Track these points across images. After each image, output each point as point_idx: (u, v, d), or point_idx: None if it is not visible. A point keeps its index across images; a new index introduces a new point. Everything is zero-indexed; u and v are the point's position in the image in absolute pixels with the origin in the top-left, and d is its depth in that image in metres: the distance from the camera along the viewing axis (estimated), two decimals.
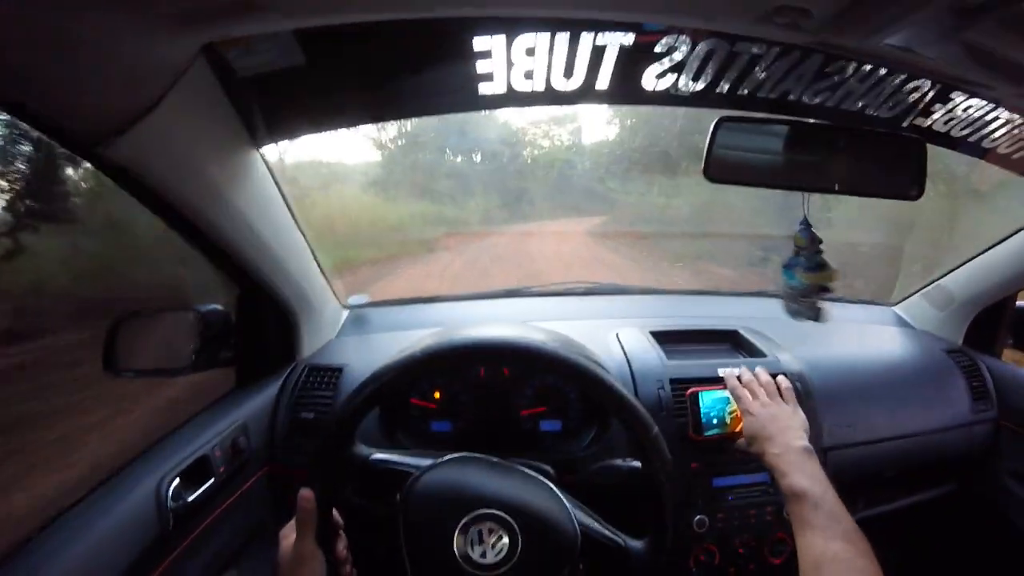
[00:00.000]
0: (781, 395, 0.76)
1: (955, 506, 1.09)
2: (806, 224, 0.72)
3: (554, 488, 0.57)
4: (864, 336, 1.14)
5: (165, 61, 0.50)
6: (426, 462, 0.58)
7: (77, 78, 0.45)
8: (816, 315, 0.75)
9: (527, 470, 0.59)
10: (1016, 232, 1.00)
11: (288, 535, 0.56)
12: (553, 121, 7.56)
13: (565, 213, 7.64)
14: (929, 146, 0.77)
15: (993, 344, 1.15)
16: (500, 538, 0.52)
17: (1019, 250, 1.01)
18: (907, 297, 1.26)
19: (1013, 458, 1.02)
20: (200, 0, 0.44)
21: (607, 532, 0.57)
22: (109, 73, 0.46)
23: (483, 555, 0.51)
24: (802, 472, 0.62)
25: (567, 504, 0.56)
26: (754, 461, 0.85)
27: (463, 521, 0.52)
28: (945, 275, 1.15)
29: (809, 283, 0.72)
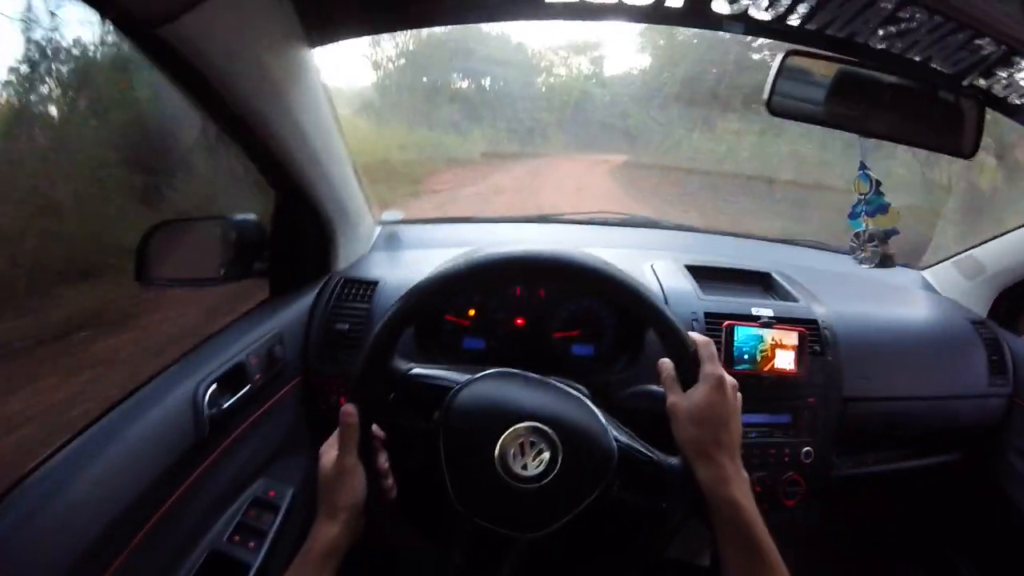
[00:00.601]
0: None
1: (957, 475, 1.11)
2: (864, 169, 0.72)
3: (591, 404, 0.58)
4: (890, 295, 1.14)
5: None
6: (465, 377, 0.58)
7: None
8: (885, 261, 0.74)
9: (564, 386, 0.60)
10: None
11: (328, 451, 0.56)
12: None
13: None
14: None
15: (1017, 322, 1.14)
16: (541, 451, 0.52)
17: None
18: (937, 263, 1.26)
19: (1022, 436, 1.04)
20: None
21: (643, 449, 0.57)
22: None
23: (524, 467, 0.52)
24: (742, 488, 0.53)
25: (604, 420, 0.57)
26: (778, 400, 0.86)
27: (505, 434, 0.52)
28: (978, 245, 1.15)
29: (875, 227, 0.72)
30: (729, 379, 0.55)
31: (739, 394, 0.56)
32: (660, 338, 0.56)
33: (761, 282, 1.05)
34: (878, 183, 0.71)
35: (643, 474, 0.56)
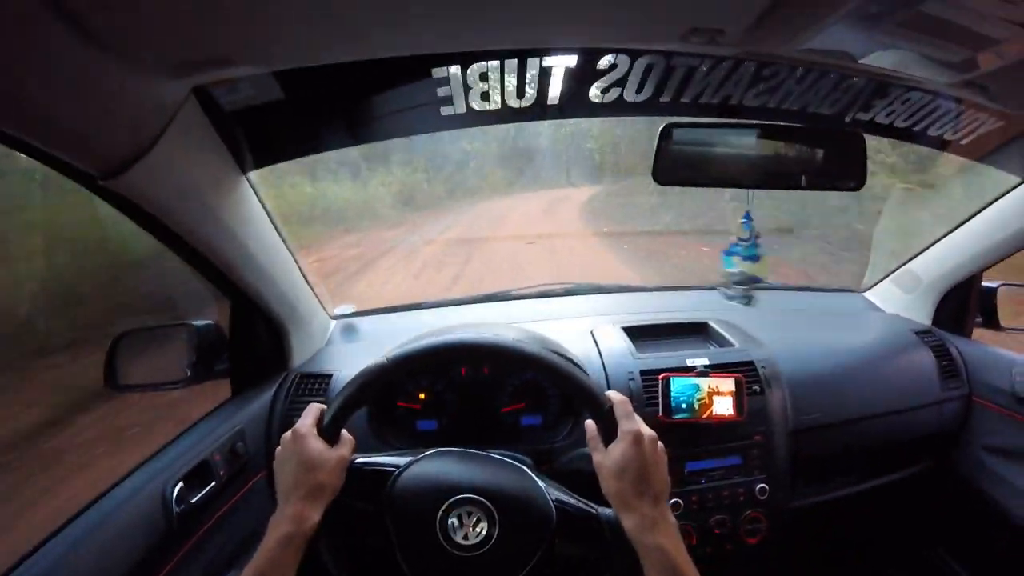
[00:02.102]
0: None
1: (933, 483, 1.12)
2: (748, 218, 0.78)
3: (527, 470, 0.62)
4: (833, 322, 1.19)
5: (160, 102, 0.56)
6: (405, 460, 0.62)
7: (86, 121, 0.50)
8: (748, 301, 0.80)
9: (502, 457, 0.64)
10: (975, 214, 1.05)
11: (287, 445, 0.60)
12: None
13: None
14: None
15: (963, 323, 1.18)
16: (479, 520, 0.56)
17: (978, 230, 1.06)
18: (877, 283, 1.31)
19: (987, 433, 1.05)
20: (186, 54, 0.51)
21: (580, 504, 0.60)
22: (113, 115, 0.52)
23: (465, 537, 0.55)
24: (667, 532, 0.55)
25: (540, 483, 0.60)
26: (724, 444, 0.89)
27: (443, 508, 0.56)
28: (911, 259, 1.20)
29: (744, 272, 0.78)
30: (648, 432, 0.59)
31: (660, 444, 0.60)
32: (577, 403, 0.61)
33: (699, 331, 1.09)
34: (757, 235, 0.77)
35: (582, 527, 0.59)
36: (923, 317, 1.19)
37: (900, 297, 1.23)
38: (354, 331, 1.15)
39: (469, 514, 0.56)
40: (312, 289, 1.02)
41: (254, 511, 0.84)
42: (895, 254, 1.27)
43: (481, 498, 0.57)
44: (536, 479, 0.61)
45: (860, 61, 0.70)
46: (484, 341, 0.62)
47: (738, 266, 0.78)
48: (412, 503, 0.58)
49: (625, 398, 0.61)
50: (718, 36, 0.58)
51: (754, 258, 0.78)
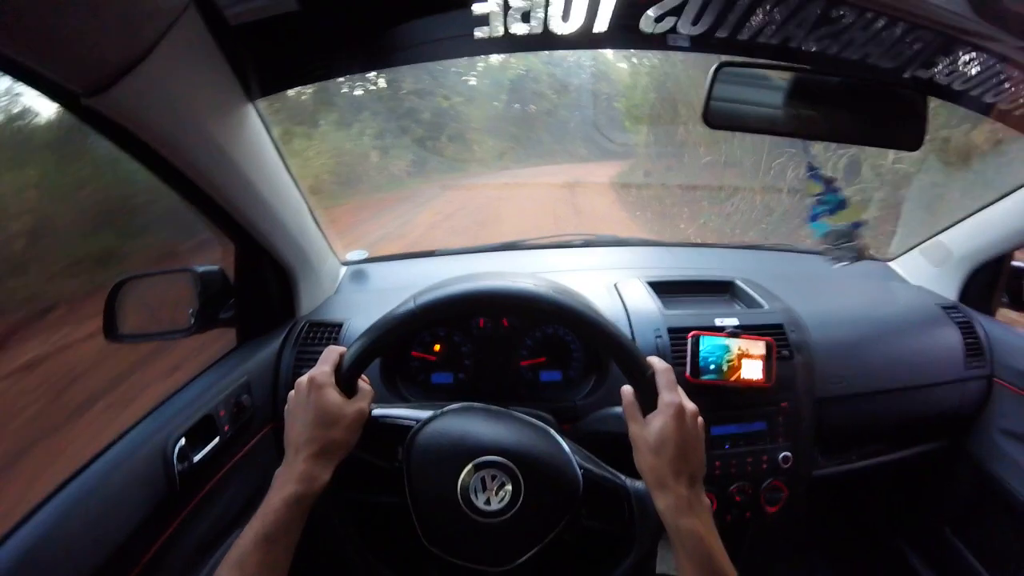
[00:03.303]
0: None
1: (946, 462, 1.11)
2: (813, 169, 0.72)
3: (555, 434, 0.58)
4: (858, 290, 1.15)
5: (154, 6, 0.49)
6: (426, 414, 0.58)
7: (68, 26, 0.43)
8: (860, 254, 0.74)
9: (528, 417, 0.60)
10: (1016, 190, 1.00)
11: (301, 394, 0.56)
12: None
13: None
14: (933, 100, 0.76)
15: (989, 302, 1.15)
16: (503, 485, 0.52)
17: (1017, 207, 1.01)
18: (904, 252, 1.27)
19: (1005, 416, 1.03)
20: None
21: (608, 475, 0.57)
22: (100, 19, 0.45)
23: (487, 502, 0.52)
24: (701, 516, 0.51)
25: (568, 449, 0.57)
26: (751, 409, 0.86)
27: (466, 469, 0.52)
28: (943, 231, 1.16)
29: (839, 224, 0.72)
30: (690, 407, 0.54)
31: (700, 420, 0.55)
32: (619, 366, 0.57)
33: (726, 290, 1.05)
34: (829, 180, 0.72)
35: (611, 501, 0.56)
36: (950, 292, 1.15)
37: (927, 269, 1.19)
38: (365, 278, 1.09)
39: (493, 478, 0.52)
40: (323, 232, 0.96)
41: (259, 468, 0.81)
42: (925, 224, 1.22)
43: (507, 461, 0.53)
44: (563, 443, 0.57)
45: (940, 11, 0.64)
46: (522, 291, 0.56)
47: (830, 224, 0.72)
48: (432, 462, 0.54)
49: (668, 366, 0.57)
50: None
51: (842, 205, 0.71)
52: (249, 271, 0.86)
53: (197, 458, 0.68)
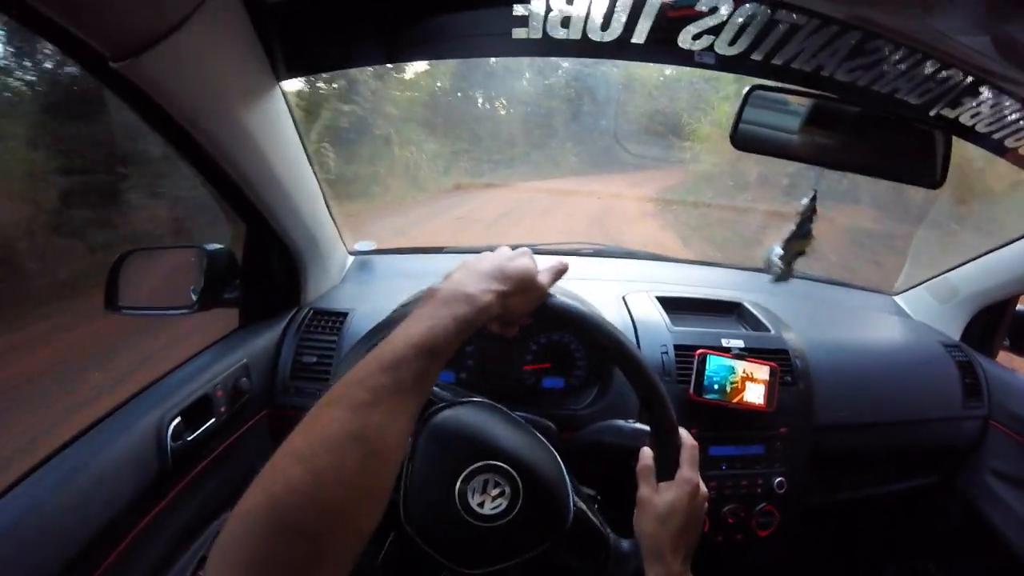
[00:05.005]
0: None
1: (936, 498, 1.12)
2: (814, 197, 0.74)
3: (561, 463, 0.57)
4: (862, 321, 1.15)
5: None
6: (448, 396, 0.57)
7: None
8: (783, 276, 0.78)
9: (542, 437, 0.59)
10: None
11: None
12: None
13: None
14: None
15: (990, 344, 1.16)
16: (503, 493, 0.51)
17: None
18: (910, 288, 1.27)
19: (998, 458, 1.04)
20: None
21: (598, 523, 0.57)
22: None
23: (481, 505, 0.51)
24: None
25: (569, 482, 0.56)
26: (750, 432, 0.86)
27: (474, 465, 0.52)
28: (951, 269, 1.16)
29: (790, 246, 0.76)
30: (703, 489, 0.56)
31: (705, 504, 0.57)
32: (651, 425, 0.57)
33: (733, 311, 1.05)
34: (815, 212, 0.75)
35: (592, 544, 0.56)
36: (952, 330, 1.16)
37: (932, 306, 1.20)
38: (371, 269, 1.08)
39: (496, 484, 0.51)
40: (335, 221, 0.94)
41: (252, 453, 0.79)
42: (932, 263, 1.23)
43: (515, 473, 0.52)
44: (566, 475, 0.57)
45: (970, 52, 0.64)
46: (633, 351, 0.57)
47: (783, 247, 0.77)
48: (441, 447, 0.53)
49: (695, 444, 0.58)
50: None
51: (807, 235, 0.76)
52: (258, 253, 0.84)
53: (191, 438, 0.67)
